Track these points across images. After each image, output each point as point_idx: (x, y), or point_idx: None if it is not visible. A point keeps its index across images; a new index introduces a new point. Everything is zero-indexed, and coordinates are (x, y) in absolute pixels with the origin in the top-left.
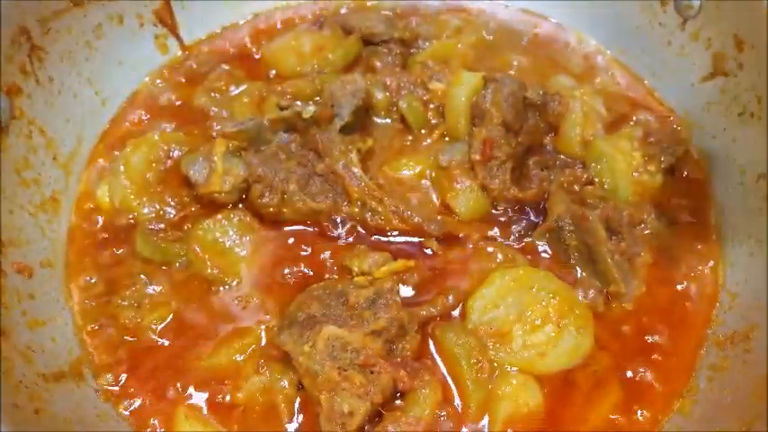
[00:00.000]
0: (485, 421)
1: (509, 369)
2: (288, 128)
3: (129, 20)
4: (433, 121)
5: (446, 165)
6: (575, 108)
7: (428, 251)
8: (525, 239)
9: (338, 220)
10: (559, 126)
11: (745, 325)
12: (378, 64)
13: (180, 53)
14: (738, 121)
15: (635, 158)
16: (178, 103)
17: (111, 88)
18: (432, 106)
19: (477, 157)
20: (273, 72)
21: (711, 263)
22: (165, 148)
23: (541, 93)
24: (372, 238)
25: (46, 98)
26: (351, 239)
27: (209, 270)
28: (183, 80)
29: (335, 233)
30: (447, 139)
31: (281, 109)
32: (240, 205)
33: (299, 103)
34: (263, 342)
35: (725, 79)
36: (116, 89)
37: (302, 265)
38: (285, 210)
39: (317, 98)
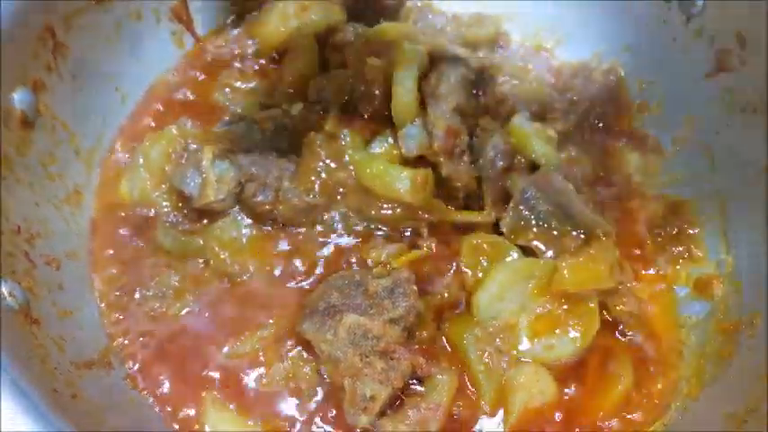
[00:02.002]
0: (500, 411)
1: (521, 359)
2: (276, 126)
3: (147, 17)
4: None
5: (412, 154)
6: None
7: (432, 244)
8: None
9: (336, 217)
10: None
11: (748, 312)
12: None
13: (195, 49)
14: (741, 117)
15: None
16: (193, 98)
17: (130, 84)
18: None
19: (441, 145)
20: (256, 41)
21: (714, 253)
22: (183, 141)
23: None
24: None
25: (68, 94)
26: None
27: (229, 267)
28: (199, 76)
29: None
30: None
31: (264, 108)
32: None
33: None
34: (285, 331)
35: (728, 75)
36: (135, 84)
37: (316, 257)
38: (280, 207)
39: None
